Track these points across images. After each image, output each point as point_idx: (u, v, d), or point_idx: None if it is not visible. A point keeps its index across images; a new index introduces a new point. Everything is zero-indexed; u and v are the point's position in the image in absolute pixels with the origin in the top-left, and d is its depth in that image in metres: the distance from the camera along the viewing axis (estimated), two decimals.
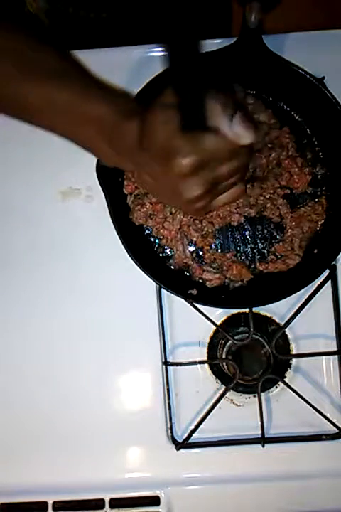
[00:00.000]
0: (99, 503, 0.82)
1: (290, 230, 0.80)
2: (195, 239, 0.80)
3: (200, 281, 0.81)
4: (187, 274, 0.82)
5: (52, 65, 0.58)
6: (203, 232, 0.80)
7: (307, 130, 0.82)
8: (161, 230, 0.81)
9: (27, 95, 0.57)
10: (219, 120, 0.48)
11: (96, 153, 0.61)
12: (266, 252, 0.82)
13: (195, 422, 0.82)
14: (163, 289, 0.82)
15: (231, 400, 0.84)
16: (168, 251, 0.82)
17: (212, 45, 0.78)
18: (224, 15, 1.02)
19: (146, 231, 0.82)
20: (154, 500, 0.82)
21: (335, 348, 0.82)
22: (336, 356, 0.82)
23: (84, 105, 0.56)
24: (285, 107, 0.82)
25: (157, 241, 0.82)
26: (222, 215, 0.80)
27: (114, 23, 0.96)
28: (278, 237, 0.81)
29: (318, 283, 0.80)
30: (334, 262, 0.82)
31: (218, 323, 0.83)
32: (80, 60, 0.84)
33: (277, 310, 0.83)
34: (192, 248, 0.81)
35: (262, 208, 0.80)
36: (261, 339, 0.83)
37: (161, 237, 0.81)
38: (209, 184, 0.51)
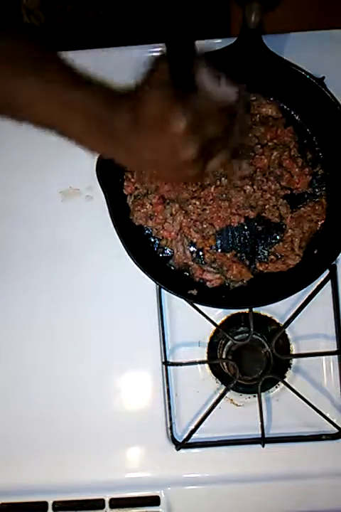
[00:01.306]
0: (99, 503, 0.82)
1: (290, 230, 0.81)
2: (195, 240, 0.80)
3: (201, 281, 0.81)
4: (188, 274, 0.82)
5: (38, 57, 0.58)
6: (204, 234, 0.80)
7: (308, 130, 0.82)
8: (161, 231, 0.81)
9: (15, 89, 0.57)
10: (207, 82, 0.54)
11: (87, 143, 0.61)
12: (266, 252, 0.82)
13: (195, 422, 0.82)
14: (163, 289, 0.82)
15: (231, 400, 0.84)
16: (168, 251, 0.82)
17: (212, 45, 0.78)
18: (222, 15, 1.01)
19: (146, 231, 0.82)
20: (154, 500, 0.82)
21: (335, 348, 0.82)
22: (336, 356, 0.82)
23: (74, 94, 0.57)
24: (285, 107, 0.82)
25: (157, 241, 0.82)
26: (222, 217, 0.80)
27: (111, 22, 0.96)
28: (278, 237, 0.81)
29: (318, 283, 0.81)
30: (334, 262, 0.82)
31: (218, 323, 0.83)
32: (80, 60, 0.85)
33: (277, 310, 0.83)
34: (192, 249, 0.81)
35: (262, 208, 0.81)
36: (261, 339, 0.83)
37: (161, 238, 0.81)
38: (203, 143, 0.56)
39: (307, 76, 0.76)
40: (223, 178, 0.80)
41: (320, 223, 0.81)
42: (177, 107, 0.53)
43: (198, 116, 0.54)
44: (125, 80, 0.81)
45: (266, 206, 0.80)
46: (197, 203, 0.79)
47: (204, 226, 0.80)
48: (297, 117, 0.82)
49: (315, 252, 0.80)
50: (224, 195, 0.80)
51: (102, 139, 0.59)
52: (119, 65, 0.83)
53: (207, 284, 0.80)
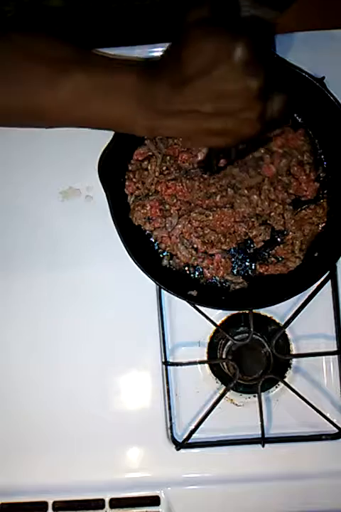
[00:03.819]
0: (99, 503, 0.82)
1: (291, 233, 0.80)
2: (196, 245, 0.80)
3: (201, 277, 0.81)
4: (188, 271, 0.81)
5: (71, 55, 0.57)
6: (205, 239, 0.80)
7: (310, 133, 0.81)
8: (160, 236, 0.80)
9: (57, 94, 0.56)
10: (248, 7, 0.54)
11: (133, 124, 0.58)
12: (266, 254, 0.81)
13: (195, 422, 0.82)
14: (163, 290, 0.82)
15: (231, 400, 0.84)
16: (168, 252, 0.82)
17: None
18: None
19: (147, 231, 0.82)
20: (154, 500, 0.82)
21: (335, 348, 0.82)
22: (336, 356, 0.83)
23: (116, 79, 0.55)
24: None
25: (157, 242, 0.82)
26: (225, 225, 0.79)
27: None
28: (278, 239, 0.81)
29: (318, 283, 0.80)
30: None
31: (218, 323, 0.83)
32: None
33: (277, 310, 0.83)
34: (193, 252, 0.81)
35: (267, 217, 0.80)
36: (261, 339, 0.83)
37: (160, 242, 0.81)
38: (264, 75, 0.52)
39: (308, 77, 0.75)
40: (229, 189, 0.79)
41: (320, 226, 0.80)
42: (231, 35, 0.49)
43: (253, 40, 0.49)
44: None
45: (272, 214, 0.79)
46: (200, 209, 0.79)
47: (206, 232, 0.79)
48: (300, 120, 0.81)
49: (316, 254, 0.80)
50: (228, 205, 0.79)
51: (151, 112, 0.56)
52: None
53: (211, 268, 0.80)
